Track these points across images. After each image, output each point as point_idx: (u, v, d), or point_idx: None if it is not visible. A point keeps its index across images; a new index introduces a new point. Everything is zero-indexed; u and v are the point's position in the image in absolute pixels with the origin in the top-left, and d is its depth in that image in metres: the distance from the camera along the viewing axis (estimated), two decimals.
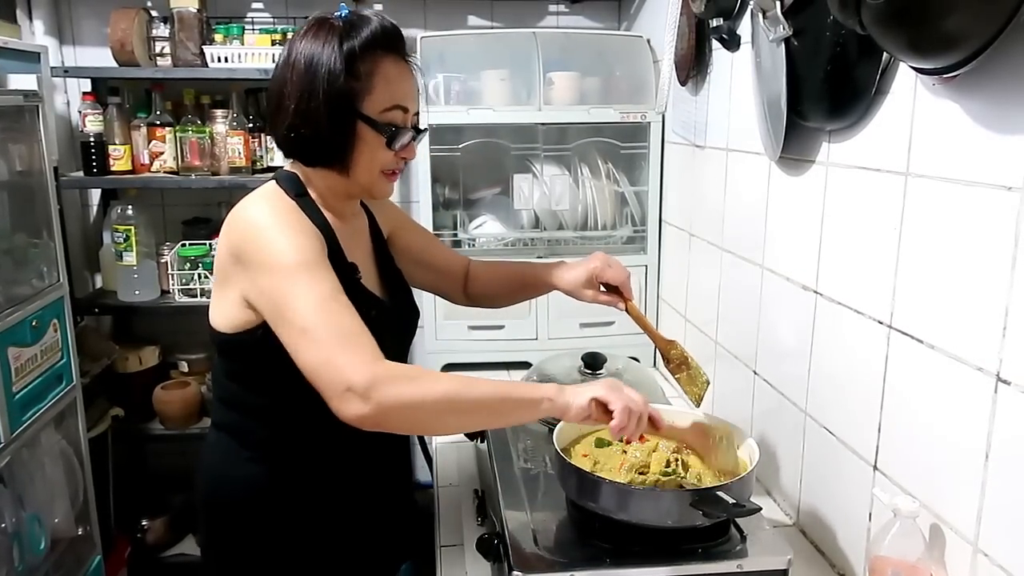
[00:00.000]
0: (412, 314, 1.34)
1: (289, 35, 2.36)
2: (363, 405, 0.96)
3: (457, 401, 1.01)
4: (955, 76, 0.91)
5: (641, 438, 1.27)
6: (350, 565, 1.29)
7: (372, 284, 1.25)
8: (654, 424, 1.13)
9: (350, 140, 1.11)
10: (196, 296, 2.41)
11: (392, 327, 1.21)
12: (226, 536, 1.25)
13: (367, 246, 1.31)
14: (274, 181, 1.18)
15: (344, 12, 1.13)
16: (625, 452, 1.24)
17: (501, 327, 2.17)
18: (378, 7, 2.57)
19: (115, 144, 2.33)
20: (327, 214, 1.18)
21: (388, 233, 1.38)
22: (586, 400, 1.06)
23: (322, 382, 0.99)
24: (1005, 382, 0.89)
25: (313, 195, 1.18)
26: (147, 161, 2.38)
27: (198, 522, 1.31)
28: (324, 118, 1.09)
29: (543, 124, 2.15)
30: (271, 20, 2.54)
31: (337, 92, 1.08)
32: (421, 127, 1.20)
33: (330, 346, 0.99)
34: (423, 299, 2.19)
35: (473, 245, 2.23)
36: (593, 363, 1.57)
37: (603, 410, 1.07)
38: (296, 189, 1.16)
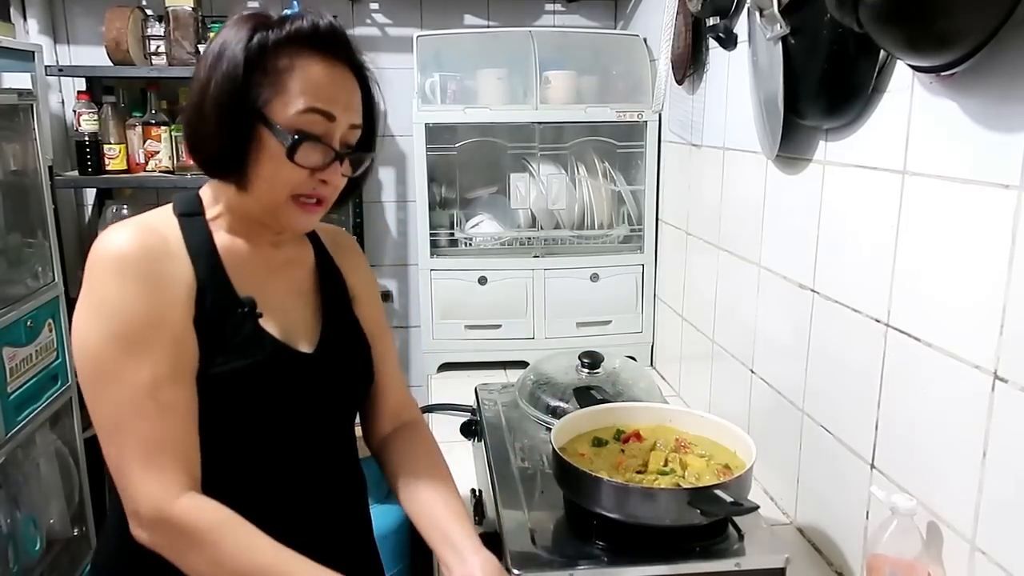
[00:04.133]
0: (349, 370, 1.09)
1: None
2: (143, 534, 0.88)
3: None
4: (952, 74, 0.91)
5: (638, 437, 1.27)
6: None
7: (296, 327, 1.03)
8: None
9: (246, 146, 0.93)
10: None
11: (313, 379, 1.02)
12: None
13: (300, 283, 1.08)
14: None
15: (292, 10, 1.01)
16: (623, 451, 1.24)
17: (498, 326, 2.17)
18: (374, 6, 2.57)
19: (110, 143, 2.32)
20: (226, 237, 0.99)
21: (354, 295, 1.15)
22: None
23: (117, 486, 0.89)
24: (1002, 380, 0.89)
25: (212, 214, 1.00)
26: (142, 160, 2.37)
27: None
28: (215, 114, 0.92)
29: (540, 123, 2.15)
30: None
31: (234, 86, 0.91)
32: (366, 148, 1.01)
33: (128, 457, 0.87)
34: (419, 299, 2.20)
35: (470, 244, 2.22)
36: (591, 362, 1.57)
37: None
38: (187, 208, 0.99)
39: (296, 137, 0.92)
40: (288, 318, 1.03)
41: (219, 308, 0.95)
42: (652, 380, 1.76)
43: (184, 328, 0.92)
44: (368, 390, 1.15)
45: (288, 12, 0.98)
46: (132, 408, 0.87)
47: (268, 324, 0.99)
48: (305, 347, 1.03)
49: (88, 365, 0.89)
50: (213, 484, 0.92)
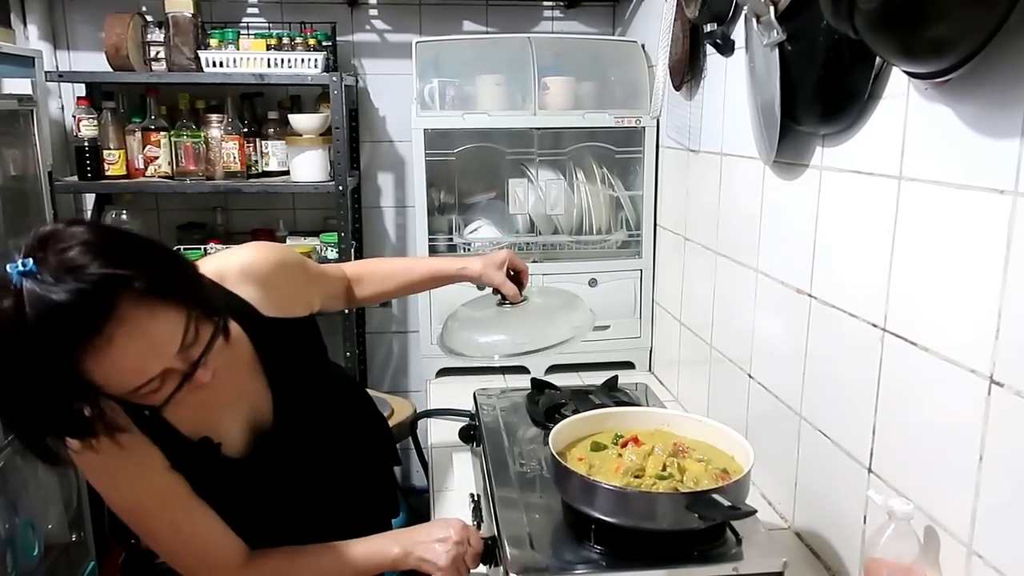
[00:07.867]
0: (314, 426, 1.17)
1: (284, 40, 2.37)
2: None
3: None
4: (947, 80, 0.92)
5: (636, 441, 1.28)
6: None
7: (257, 408, 1.12)
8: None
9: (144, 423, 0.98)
10: None
11: (284, 456, 1.13)
12: None
13: (242, 356, 1.09)
14: None
15: (14, 276, 0.81)
16: (621, 456, 1.24)
17: None
18: (373, 12, 2.57)
19: (110, 149, 2.33)
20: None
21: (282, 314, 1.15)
22: (414, 561, 1.13)
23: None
24: (998, 384, 0.89)
25: None
26: (142, 166, 2.37)
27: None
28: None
29: (538, 129, 2.16)
30: (266, 25, 2.54)
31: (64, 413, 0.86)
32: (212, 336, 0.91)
33: (191, 569, 1.07)
34: (418, 303, 2.21)
35: (468, 250, 2.23)
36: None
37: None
38: None
39: (155, 419, 0.97)
40: (248, 406, 1.12)
41: (186, 461, 1.04)
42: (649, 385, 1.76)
43: (172, 476, 1.03)
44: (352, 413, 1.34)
45: (12, 277, 0.82)
46: (176, 537, 1.04)
47: (230, 444, 1.09)
48: (268, 424, 1.13)
49: (126, 518, 1.04)
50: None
